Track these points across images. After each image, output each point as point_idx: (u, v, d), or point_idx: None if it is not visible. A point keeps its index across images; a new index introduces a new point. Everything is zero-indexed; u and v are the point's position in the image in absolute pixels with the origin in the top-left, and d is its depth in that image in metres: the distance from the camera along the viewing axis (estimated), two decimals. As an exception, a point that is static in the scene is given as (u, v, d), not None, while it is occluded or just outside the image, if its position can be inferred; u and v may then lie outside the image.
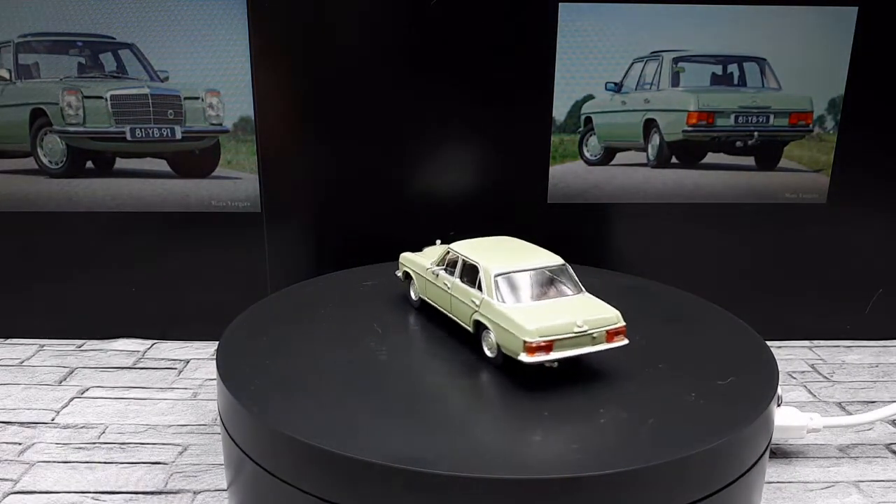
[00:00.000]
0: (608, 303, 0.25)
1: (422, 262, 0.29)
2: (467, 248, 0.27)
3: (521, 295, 0.25)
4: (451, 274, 0.27)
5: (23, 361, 0.38)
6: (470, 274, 0.26)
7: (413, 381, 0.24)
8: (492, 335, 0.24)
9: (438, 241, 0.32)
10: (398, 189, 0.39)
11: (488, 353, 0.25)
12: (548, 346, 0.23)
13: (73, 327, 0.40)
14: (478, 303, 0.25)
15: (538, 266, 0.26)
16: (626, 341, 0.24)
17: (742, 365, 0.26)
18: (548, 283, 0.25)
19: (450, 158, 0.39)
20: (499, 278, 0.25)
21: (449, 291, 0.27)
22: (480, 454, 0.20)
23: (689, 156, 0.39)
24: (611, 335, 0.24)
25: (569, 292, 0.25)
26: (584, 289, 0.26)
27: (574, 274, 0.26)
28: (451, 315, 0.27)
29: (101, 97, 0.37)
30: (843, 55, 0.38)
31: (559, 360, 0.23)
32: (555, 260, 0.26)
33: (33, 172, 0.38)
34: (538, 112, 0.38)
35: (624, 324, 0.24)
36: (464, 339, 0.27)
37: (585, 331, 0.23)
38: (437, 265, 0.28)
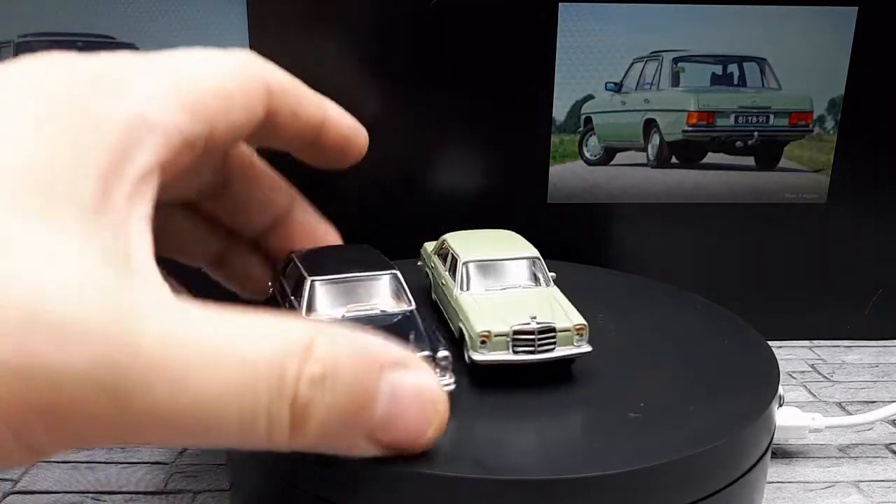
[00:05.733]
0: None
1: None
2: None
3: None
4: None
5: (23, 361, 0.38)
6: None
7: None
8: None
9: None
10: (397, 189, 0.39)
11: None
12: None
13: (73, 327, 0.40)
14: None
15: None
16: None
17: (743, 364, 0.26)
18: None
19: (449, 159, 0.39)
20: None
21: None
22: (481, 455, 0.20)
23: (689, 156, 0.39)
24: None
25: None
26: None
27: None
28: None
29: (101, 97, 0.37)
30: (843, 55, 0.38)
31: None
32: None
33: (33, 172, 0.38)
34: (538, 112, 0.38)
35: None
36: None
37: None
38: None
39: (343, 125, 0.24)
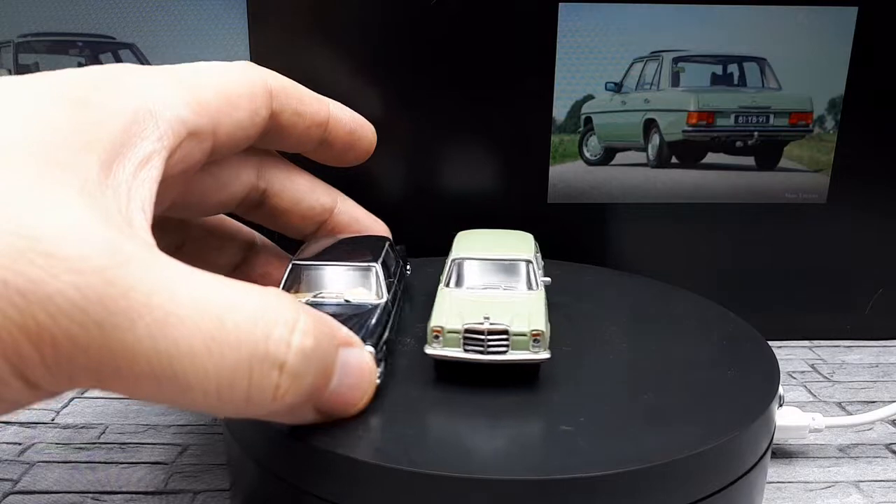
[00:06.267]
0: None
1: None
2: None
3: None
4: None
5: (23, 361, 0.38)
6: None
7: (414, 380, 0.24)
8: None
9: None
10: (397, 189, 0.39)
11: None
12: None
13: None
14: None
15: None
16: None
17: (743, 365, 0.26)
18: None
19: (449, 158, 0.39)
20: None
21: None
22: (481, 454, 0.20)
23: (689, 156, 0.39)
24: None
25: None
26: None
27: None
28: None
29: (101, 97, 0.37)
30: (843, 55, 0.38)
31: None
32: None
33: (33, 172, 0.38)
34: (538, 112, 0.38)
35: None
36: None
37: None
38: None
39: (347, 120, 0.25)
